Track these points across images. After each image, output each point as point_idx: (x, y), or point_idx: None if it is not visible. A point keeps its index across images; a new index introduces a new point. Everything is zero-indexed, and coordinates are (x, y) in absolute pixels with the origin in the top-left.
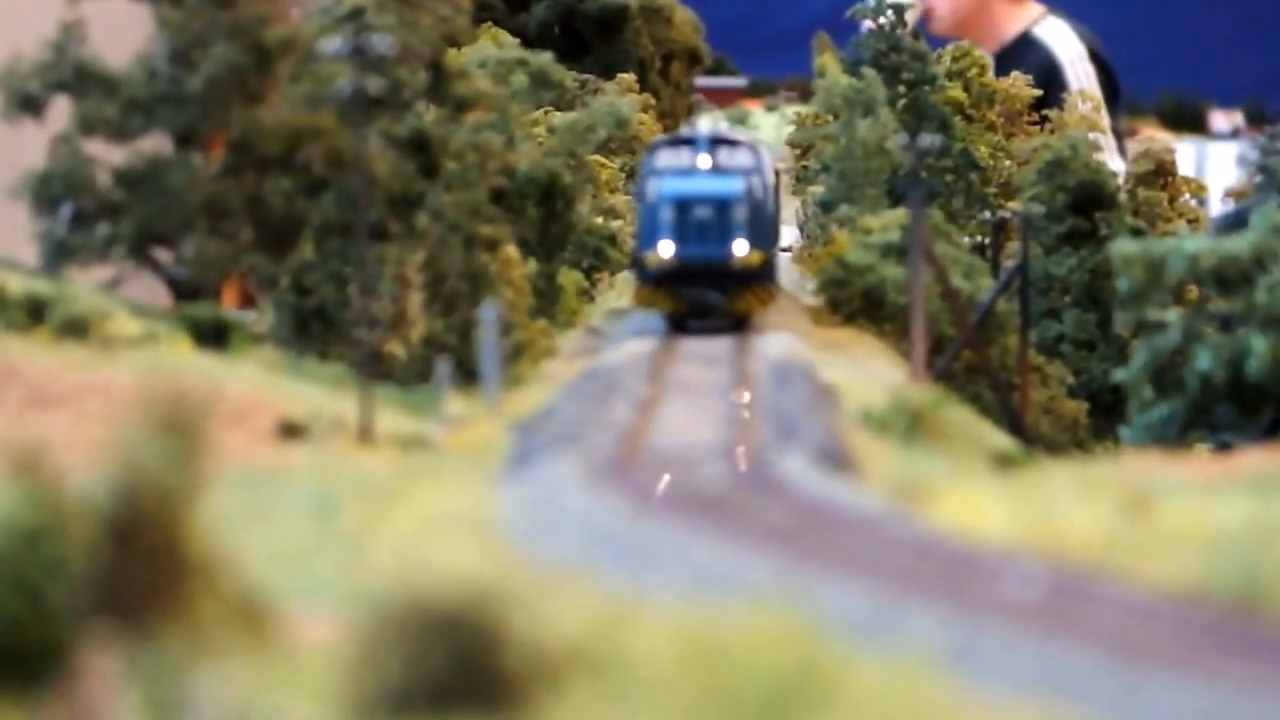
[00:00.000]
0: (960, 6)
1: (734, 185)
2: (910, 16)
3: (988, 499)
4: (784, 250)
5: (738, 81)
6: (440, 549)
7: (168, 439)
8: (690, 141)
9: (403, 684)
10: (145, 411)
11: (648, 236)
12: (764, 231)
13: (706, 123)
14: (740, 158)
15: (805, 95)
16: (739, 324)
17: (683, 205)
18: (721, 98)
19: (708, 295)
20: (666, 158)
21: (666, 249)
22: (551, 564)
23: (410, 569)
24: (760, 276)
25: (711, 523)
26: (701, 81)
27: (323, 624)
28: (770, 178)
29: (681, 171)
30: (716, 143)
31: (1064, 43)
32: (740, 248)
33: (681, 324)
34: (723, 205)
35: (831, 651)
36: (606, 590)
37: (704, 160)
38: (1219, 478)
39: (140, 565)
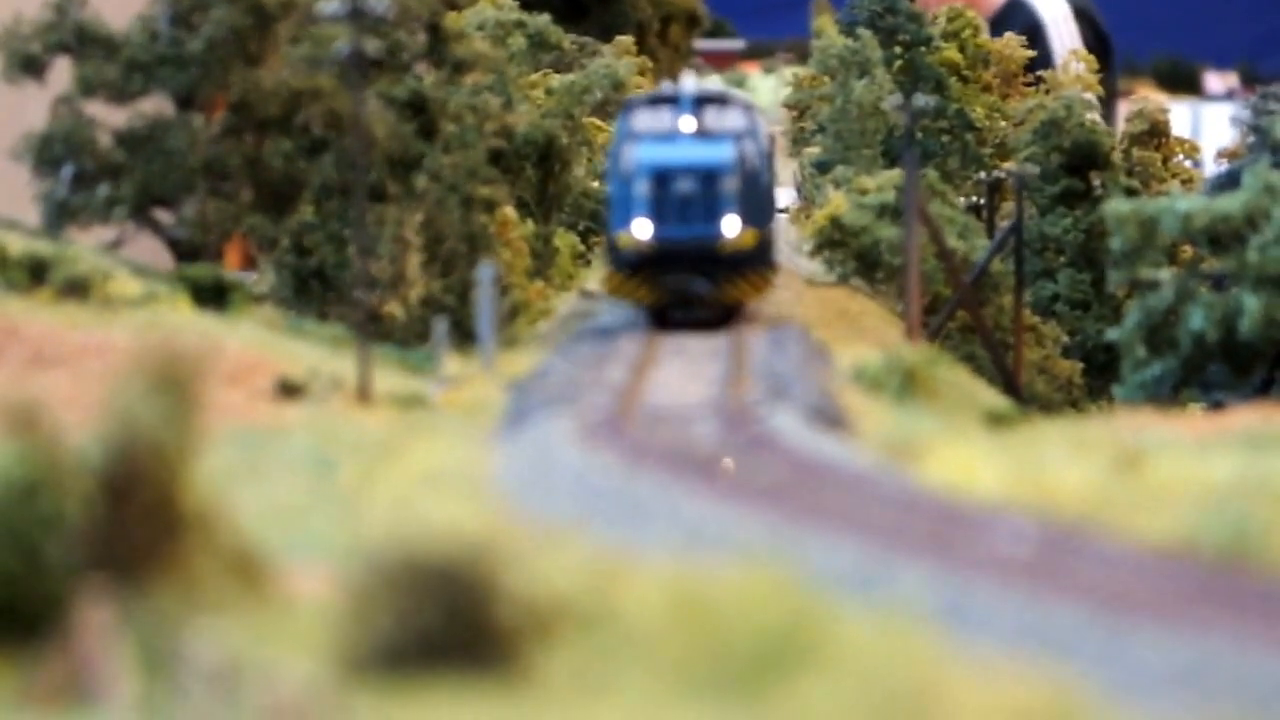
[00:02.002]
0: None
1: (723, 152)
2: None
3: (979, 456)
4: (781, 211)
5: (736, 44)
6: (434, 505)
7: (162, 396)
8: (672, 101)
9: (394, 638)
10: (140, 369)
11: (621, 214)
12: (758, 206)
13: (691, 79)
14: (730, 119)
15: (803, 57)
16: (730, 315)
17: (662, 176)
18: (720, 60)
19: (693, 283)
20: (644, 120)
21: (643, 229)
22: (544, 520)
23: (405, 525)
24: (754, 260)
25: (702, 480)
26: (700, 44)
27: (317, 579)
28: (765, 142)
29: (661, 136)
30: (703, 102)
31: (1049, 4)
32: (731, 226)
33: (662, 317)
34: (710, 176)
35: (819, 606)
36: (598, 546)
37: (688, 123)
38: (1210, 435)
39: (135, 520)
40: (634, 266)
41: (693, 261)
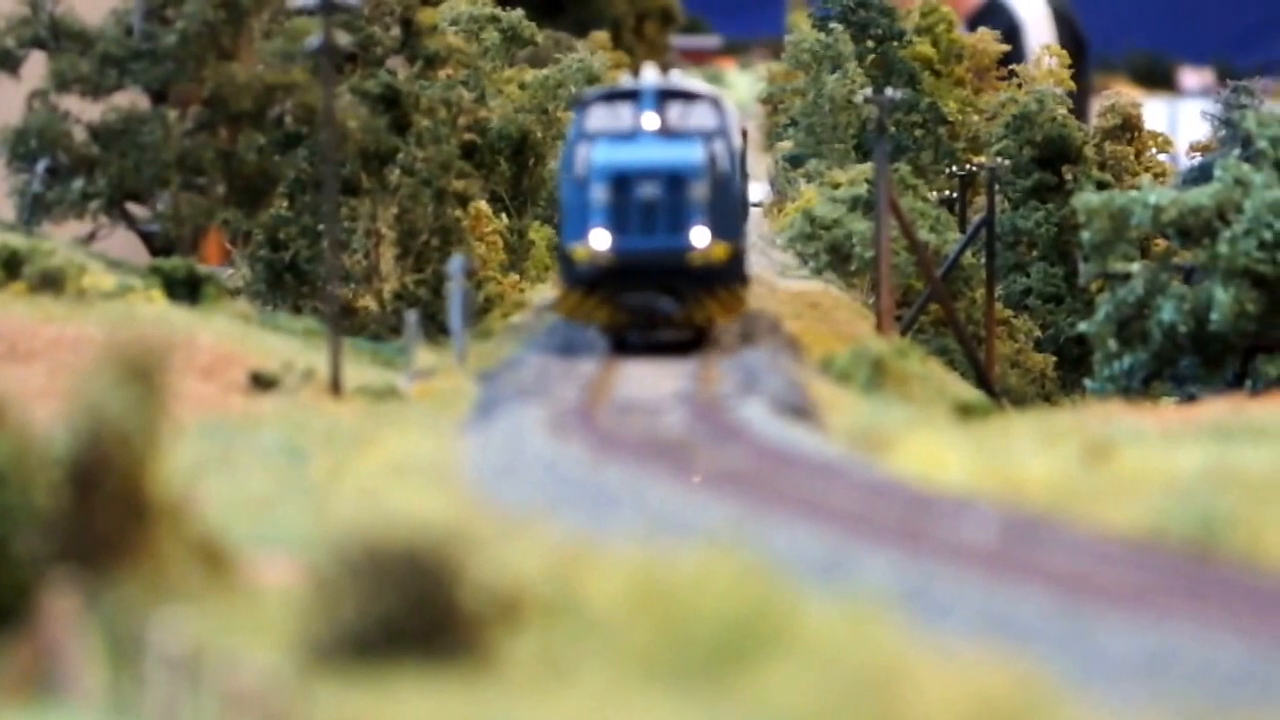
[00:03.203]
0: None
1: (691, 154)
2: None
3: (947, 447)
4: (755, 205)
5: (712, 41)
6: (403, 495)
7: (130, 387)
8: (632, 95)
9: (359, 626)
10: (108, 360)
11: (575, 223)
12: (730, 215)
13: (652, 71)
14: (698, 116)
15: (779, 53)
16: (698, 338)
17: (622, 181)
18: (696, 57)
19: (657, 302)
20: (601, 117)
21: (601, 240)
22: (512, 510)
23: (372, 515)
24: (726, 275)
25: (668, 468)
26: (676, 41)
27: (283, 567)
28: (737, 140)
29: (621, 136)
30: (667, 96)
31: (1028, 5)
32: (700, 237)
33: (622, 339)
34: (676, 181)
35: (784, 593)
36: (564, 535)
37: (650, 120)
38: (1179, 426)
39: (102, 510)
40: (591, 283)
41: (657, 277)
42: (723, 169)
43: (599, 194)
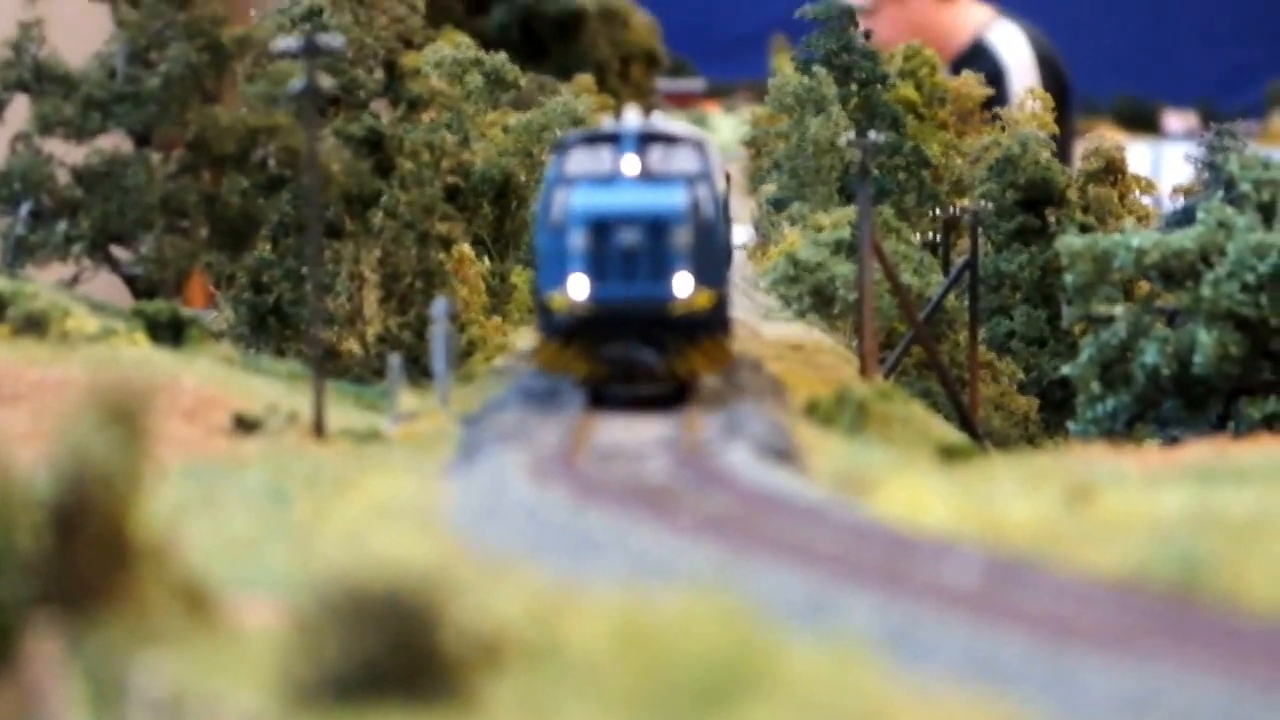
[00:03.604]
0: (901, 31)
1: (673, 199)
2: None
3: (930, 490)
4: (738, 248)
5: (697, 84)
6: (386, 537)
7: (113, 429)
8: (612, 139)
9: (340, 668)
10: (91, 402)
11: (553, 271)
12: (714, 262)
13: (634, 114)
14: (681, 160)
15: (763, 96)
16: (681, 391)
17: (601, 227)
18: (681, 100)
19: (638, 353)
20: (580, 161)
21: (579, 288)
22: (494, 552)
23: (356, 556)
24: (710, 325)
25: (651, 512)
26: (661, 84)
27: (266, 609)
28: (721, 185)
29: (600, 180)
30: (649, 140)
31: (1012, 49)
32: (683, 285)
33: (601, 392)
34: (658, 227)
35: (767, 636)
36: (546, 577)
37: (631, 164)
38: (1161, 469)
39: (85, 552)
40: (568, 333)
41: (637, 327)
42: (706, 214)
43: (577, 240)
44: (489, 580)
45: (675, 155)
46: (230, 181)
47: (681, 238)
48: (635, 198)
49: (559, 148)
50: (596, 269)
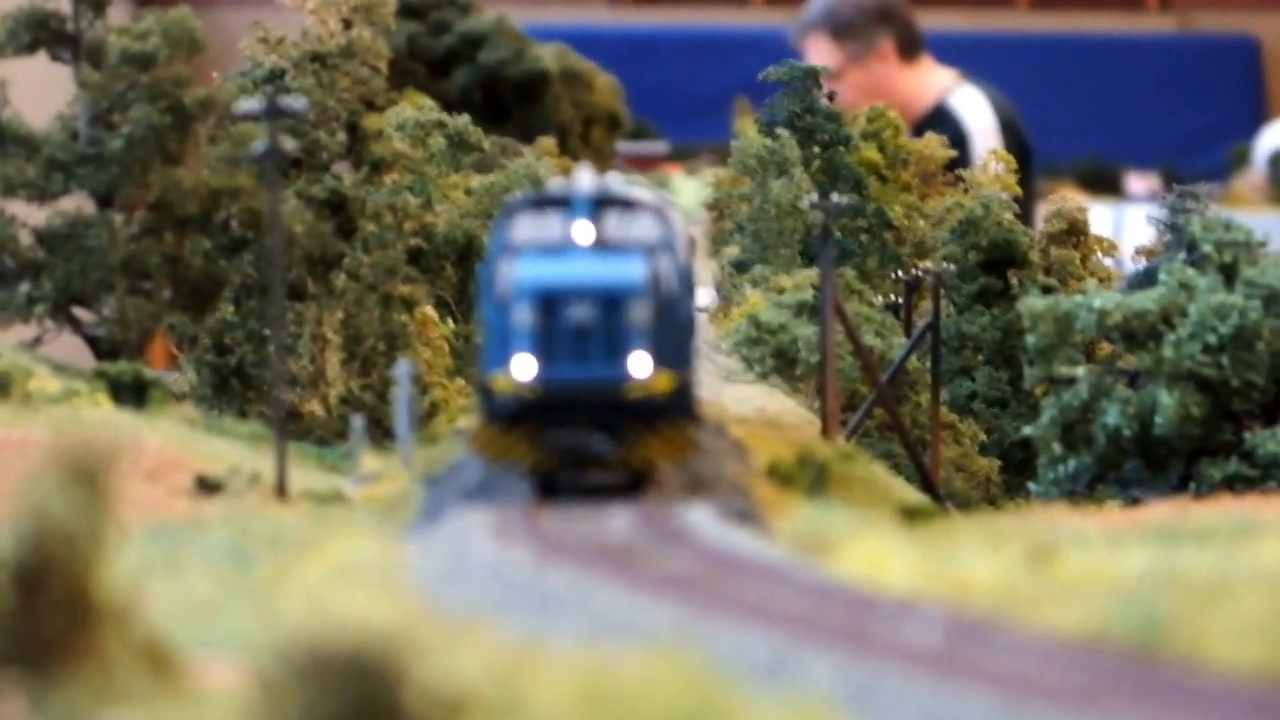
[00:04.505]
0: (865, 94)
1: (630, 270)
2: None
3: (890, 550)
4: (700, 311)
5: (659, 146)
6: (349, 598)
7: (75, 490)
8: (563, 203)
9: None
10: (53, 463)
11: (496, 349)
12: (676, 340)
13: (587, 175)
14: (640, 227)
15: (726, 159)
16: (638, 482)
17: (550, 301)
18: (643, 163)
19: (589, 440)
20: (527, 228)
21: (525, 368)
22: (455, 612)
23: (318, 617)
24: (671, 410)
25: (613, 571)
26: (623, 147)
27: (229, 671)
28: (684, 254)
29: (549, 249)
30: (604, 204)
31: (975, 113)
32: (640, 366)
33: (550, 483)
34: (612, 301)
35: (729, 695)
36: (507, 637)
37: (584, 231)
38: (1123, 529)
39: (47, 613)
40: (513, 417)
41: (590, 412)
42: (667, 288)
43: (522, 316)
44: (451, 640)
45: (633, 222)
46: (193, 243)
47: (639, 313)
48: (588, 269)
49: (504, 212)
50: (544, 348)
